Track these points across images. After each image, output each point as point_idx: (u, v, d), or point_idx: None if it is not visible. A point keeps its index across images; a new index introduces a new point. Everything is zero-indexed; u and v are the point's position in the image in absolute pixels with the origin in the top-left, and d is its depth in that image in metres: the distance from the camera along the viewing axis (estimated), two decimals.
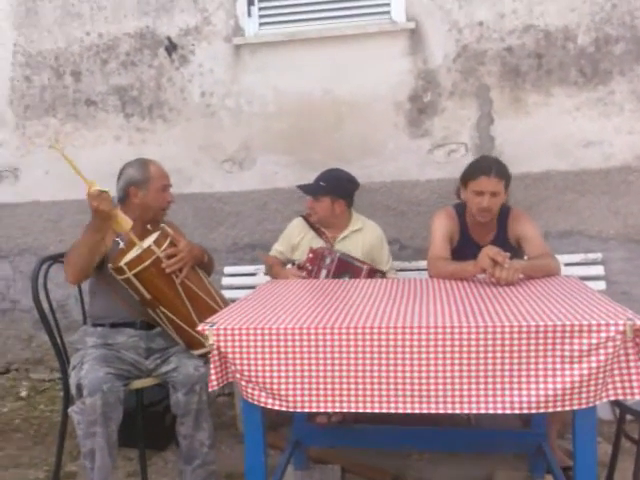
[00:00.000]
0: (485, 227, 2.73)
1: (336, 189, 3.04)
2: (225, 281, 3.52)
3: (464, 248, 2.70)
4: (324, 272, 2.88)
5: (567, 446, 2.72)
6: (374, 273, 2.90)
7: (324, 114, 3.68)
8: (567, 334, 1.72)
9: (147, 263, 2.38)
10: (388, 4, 3.59)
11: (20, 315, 4.11)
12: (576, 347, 1.71)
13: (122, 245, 2.52)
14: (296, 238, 3.13)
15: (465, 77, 3.55)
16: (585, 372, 1.70)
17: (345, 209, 3.09)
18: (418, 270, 3.28)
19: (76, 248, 2.47)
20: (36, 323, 3.89)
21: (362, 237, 3.09)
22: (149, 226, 2.62)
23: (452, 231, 2.74)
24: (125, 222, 2.41)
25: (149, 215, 2.68)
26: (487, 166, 2.64)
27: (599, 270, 3.29)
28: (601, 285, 3.18)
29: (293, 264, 3.11)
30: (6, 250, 4.09)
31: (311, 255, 2.91)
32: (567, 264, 3.18)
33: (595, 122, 3.45)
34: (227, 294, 3.08)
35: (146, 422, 2.67)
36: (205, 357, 2.42)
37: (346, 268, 2.87)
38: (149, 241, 2.47)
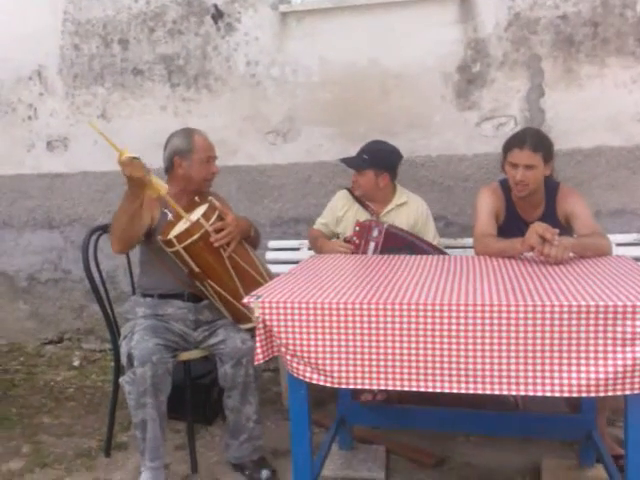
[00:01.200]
0: (532, 203, 2.67)
1: (380, 162, 2.99)
2: (269, 255, 3.53)
3: (511, 225, 2.65)
4: (372, 245, 2.84)
5: (618, 434, 2.66)
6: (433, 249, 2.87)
7: (370, 85, 3.62)
8: (619, 315, 1.68)
9: (196, 237, 2.41)
10: None
11: (72, 285, 4.21)
12: (629, 329, 1.67)
13: (170, 217, 2.53)
14: (341, 210, 3.11)
15: (516, 47, 3.44)
16: (639, 355, 1.67)
17: (389, 182, 3.05)
18: (464, 248, 3.22)
19: (117, 217, 2.49)
20: (87, 293, 3.98)
21: (407, 211, 3.06)
22: (197, 198, 2.63)
23: (498, 207, 2.70)
24: (160, 187, 2.40)
25: (193, 186, 2.69)
26: (521, 138, 2.59)
27: None
28: None
29: (338, 238, 3.10)
30: (57, 220, 4.16)
31: (358, 228, 2.88)
32: (619, 244, 3.08)
33: None
34: (271, 268, 3.09)
35: (193, 395, 2.72)
36: (252, 331, 2.43)
37: (397, 242, 2.85)
38: (197, 214, 2.48)
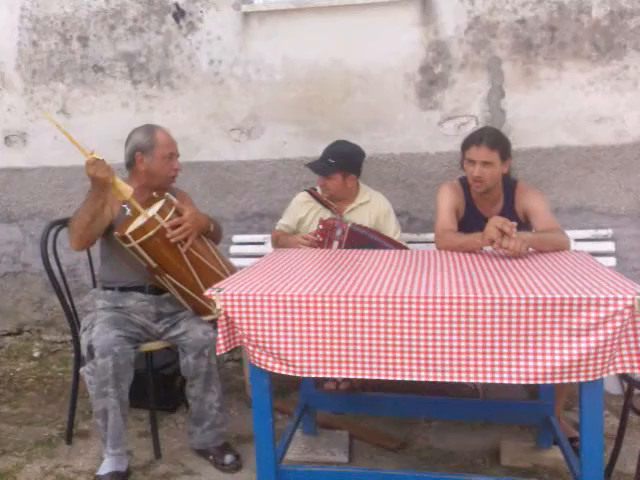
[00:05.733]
0: (490, 199, 2.73)
1: (346, 164, 3.01)
2: (234, 249, 3.54)
3: (470, 221, 2.70)
4: (335, 244, 2.87)
5: (574, 418, 2.74)
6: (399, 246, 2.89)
7: (333, 84, 3.64)
8: (575, 307, 1.73)
9: (151, 233, 2.41)
10: None
11: (31, 278, 4.14)
12: (584, 320, 1.73)
13: (129, 212, 2.54)
14: (302, 212, 3.12)
15: (477, 49, 3.49)
16: (592, 345, 1.72)
17: (355, 181, 3.08)
18: (427, 242, 3.27)
19: (78, 216, 2.51)
20: (47, 286, 3.89)
21: (369, 209, 3.09)
22: (155, 193, 2.63)
23: (457, 204, 2.74)
24: (124, 189, 2.44)
25: (155, 182, 2.69)
26: (478, 136, 2.65)
27: (609, 246, 3.27)
28: (611, 261, 3.17)
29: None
30: (16, 214, 4.09)
31: (321, 226, 2.90)
32: (577, 240, 3.16)
33: (608, 97, 3.40)
34: (235, 262, 3.10)
35: (156, 384, 2.73)
36: (214, 323, 2.45)
37: (360, 240, 2.87)
38: (153, 210, 2.49)
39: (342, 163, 2.99)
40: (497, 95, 3.51)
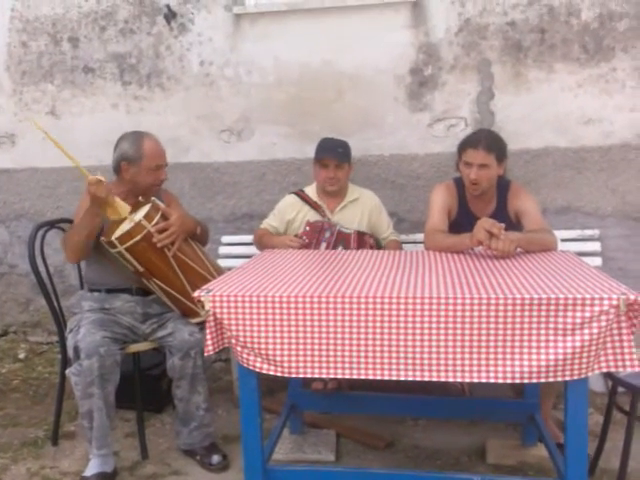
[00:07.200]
0: (484, 200, 2.74)
1: (349, 154, 3.09)
2: (222, 250, 3.52)
3: (463, 221, 2.71)
4: (324, 245, 2.88)
5: (559, 416, 2.74)
6: (362, 236, 2.92)
7: (324, 86, 3.64)
8: (561, 307, 1.74)
9: (138, 238, 2.42)
10: None
11: (18, 279, 4.14)
12: (570, 320, 1.74)
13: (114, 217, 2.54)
14: (291, 214, 3.10)
15: (467, 51, 3.51)
16: (578, 344, 1.74)
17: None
18: (415, 243, 3.27)
19: (76, 232, 2.53)
20: (34, 287, 3.87)
21: (361, 206, 3.10)
22: (141, 198, 2.62)
23: (450, 204, 2.75)
24: (122, 209, 2.47)
25: (139, 190, 2.67)
26: (475, 139, 2.66)
27: (596, 246, 3.28)
28: (597, 261, 3.18)
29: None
30: (3, 215, 4.08)
31: (308, 228, 2.91)
32: (564, 240, 3.16)
33: (596, 99, 3.42)
34: (224, 263, 3.10)
35: (143, 385, 2.73)
36: (201, 325, 2.45)
37: (348, 242, 2.88)
38: (140, 215, 2.48)
39: (348, 153, 3.08)
40: (487, 97, 3.53)
